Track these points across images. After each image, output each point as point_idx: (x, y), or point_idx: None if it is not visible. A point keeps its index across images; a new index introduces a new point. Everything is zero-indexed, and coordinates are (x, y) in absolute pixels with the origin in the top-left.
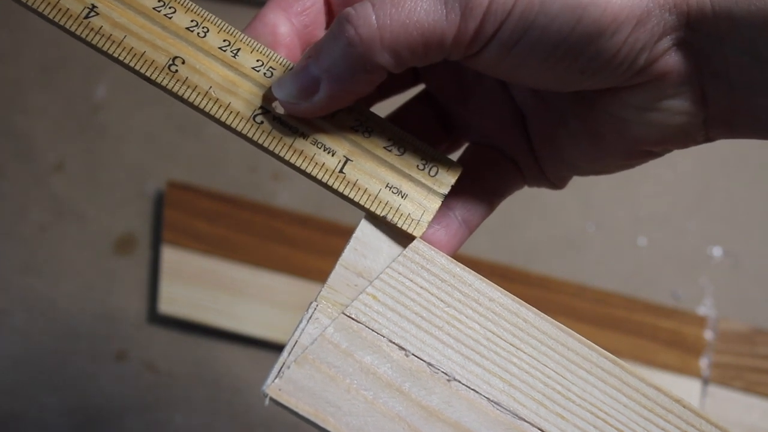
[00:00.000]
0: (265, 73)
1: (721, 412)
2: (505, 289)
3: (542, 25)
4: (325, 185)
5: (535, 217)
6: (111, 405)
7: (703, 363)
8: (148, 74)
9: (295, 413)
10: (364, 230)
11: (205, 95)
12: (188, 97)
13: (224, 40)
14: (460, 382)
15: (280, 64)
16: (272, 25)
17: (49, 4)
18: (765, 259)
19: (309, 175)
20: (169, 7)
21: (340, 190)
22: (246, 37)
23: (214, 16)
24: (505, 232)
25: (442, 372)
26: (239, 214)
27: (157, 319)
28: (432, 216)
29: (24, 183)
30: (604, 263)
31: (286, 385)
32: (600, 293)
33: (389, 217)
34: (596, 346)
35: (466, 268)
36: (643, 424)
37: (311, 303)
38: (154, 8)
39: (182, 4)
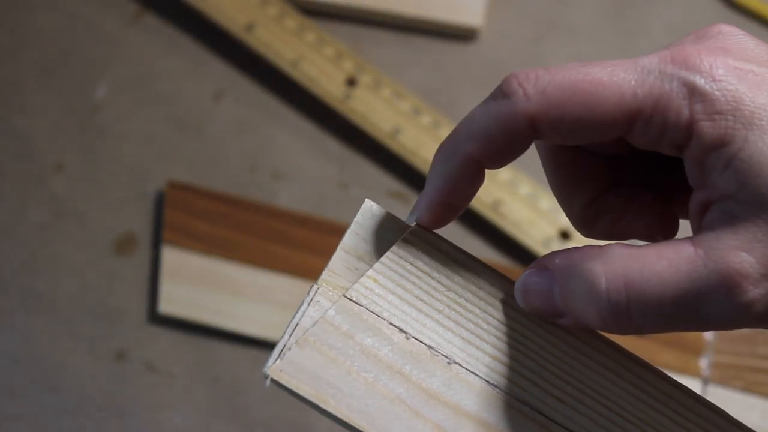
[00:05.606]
0: None
1: None
2: None
3: None
4: None
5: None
6: (111, 405)
7: (703, 363)
8: None
9: (295, 394)
10: (365, 214)
11: None
12: None
13: None
14: (460, 365)
15: None
16: None
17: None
18: None
19: None
20: None
21: None
22: None
23: None
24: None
25: (443, 355)
26: (239, 214)
27: (157, 319)
28: None
29: (24, 183)
30: None
31: (287, 366)
32: None
33: None
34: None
35: (468, 253)
36: (645, 410)
37: (312, 286)
38: None
39: None
